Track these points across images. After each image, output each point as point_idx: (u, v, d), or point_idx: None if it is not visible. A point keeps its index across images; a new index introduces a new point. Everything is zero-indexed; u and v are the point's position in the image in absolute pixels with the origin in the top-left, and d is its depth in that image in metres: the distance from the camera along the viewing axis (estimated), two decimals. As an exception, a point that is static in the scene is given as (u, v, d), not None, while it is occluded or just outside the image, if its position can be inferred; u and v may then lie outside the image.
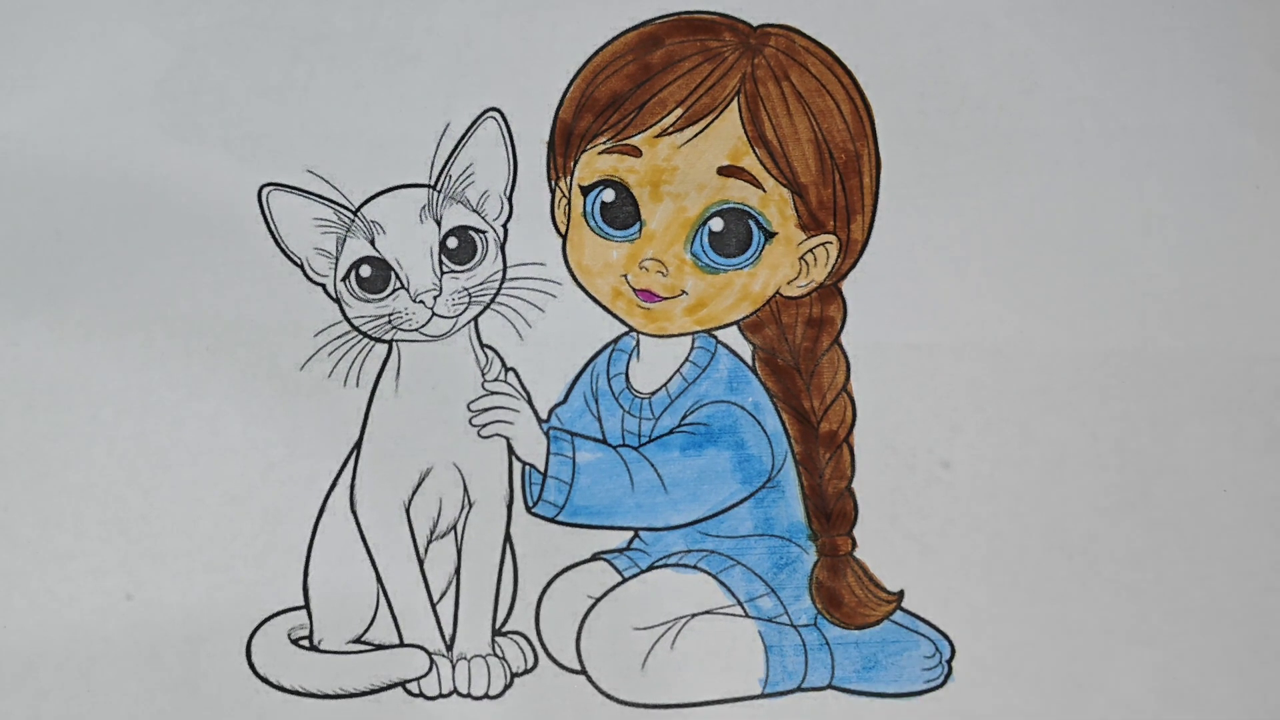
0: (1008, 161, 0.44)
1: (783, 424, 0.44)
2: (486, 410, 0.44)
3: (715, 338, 0.44)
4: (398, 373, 0.44)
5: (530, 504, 0.44)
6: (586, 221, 0.44)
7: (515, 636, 0.43)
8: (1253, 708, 0.43)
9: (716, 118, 0.44)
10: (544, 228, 0.45)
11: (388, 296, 0.44)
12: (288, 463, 0.44)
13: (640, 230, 0.44)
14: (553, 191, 0.45)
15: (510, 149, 0.45)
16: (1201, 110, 0.45)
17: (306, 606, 0.43)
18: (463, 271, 0.44)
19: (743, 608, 0.43)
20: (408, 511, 0.44)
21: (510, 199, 0.45)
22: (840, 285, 0.44)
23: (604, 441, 0.44)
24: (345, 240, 0.44)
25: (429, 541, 0.44)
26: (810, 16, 0.45)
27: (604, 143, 0.44)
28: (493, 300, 0.44)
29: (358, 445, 0.44)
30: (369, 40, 0.45)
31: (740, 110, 0.44)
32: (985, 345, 0.44)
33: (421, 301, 0.44)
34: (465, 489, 0.44)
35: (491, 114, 0.45)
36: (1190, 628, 0.43)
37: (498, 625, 0.43)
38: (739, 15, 0.45)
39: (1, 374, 0.44)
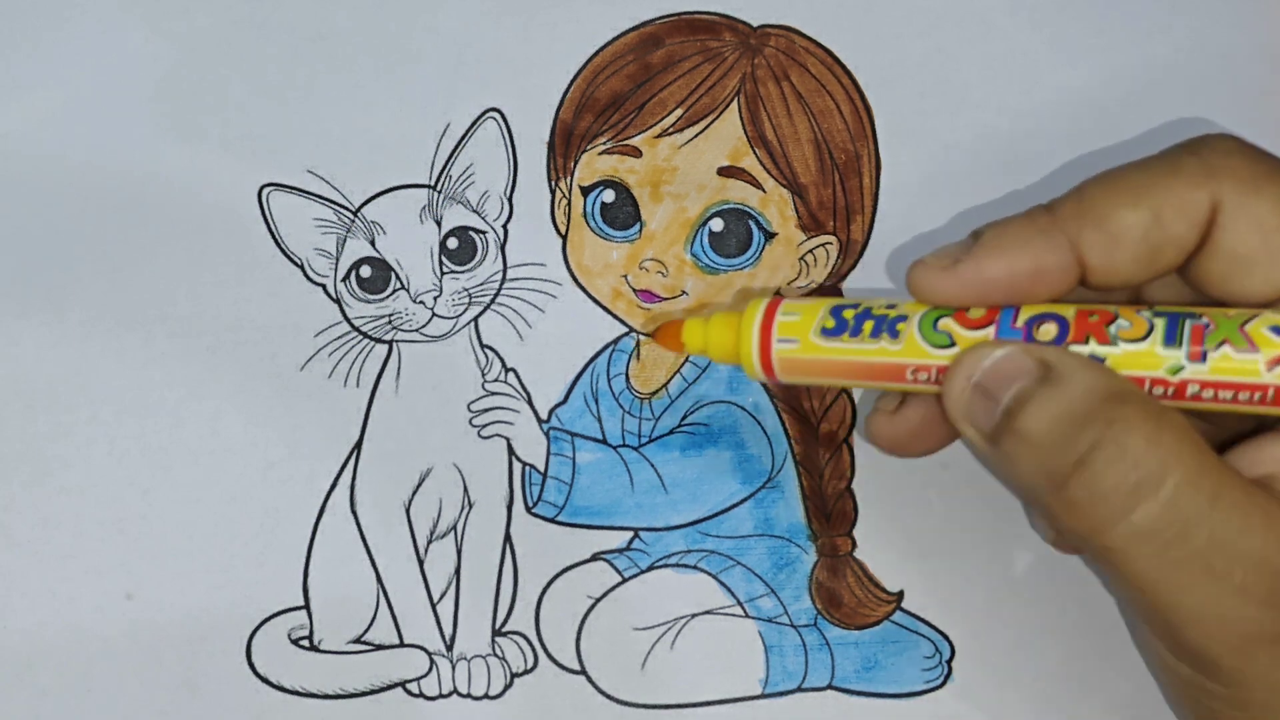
0: (1008, 161, 0.44)
1: (783, 424, 0.44)
2: (486, 410, 0.44)
3: (715, 338, 0.44)
4: (398, 373, 0.44)
5: (530, 504, 0.44)
6: (586, 222, 0.44)
7: (515, 636, 0.43)
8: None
9: (716, 118, 0.44)
10: (544, 228, 0.45)
11: (388, 297, 0.44)
12: (288, 463, 0.44)
13: (640, 231, 0.44)
14: (553, 192, 0.45)
15: (510, 149, 0.45)
16: (1201, 110, 0.44)
17: (306, 606, 0.43)
18: (463, 272, 0.44)
19: (743, 608, 0.43)
20: (408, 511, 0.44)
21: (510, 199, 0.45)
22: (840, 286, 0.44)
23: (604, 441, 0.44)
24: (345, 241, 0.44)
25: (429, 541, 0.44)
26: (810, 16, 0.45)
27: (604, 143, 0.44)
28: (493, 301, 0.44)
29: (358, 445, 0.44)
30: (369, 40, 0.45)
31: (740, 110, 0.44)
32: (985, 345, 0.44)
33: (422, 302, 0.44)
34: (465, 489, 0.44)
35: (491, 114, 0.45)
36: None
37: (498, 625, 0.43)
38: (739, 15, 0.45)
39: (1, 374, 0.44)
